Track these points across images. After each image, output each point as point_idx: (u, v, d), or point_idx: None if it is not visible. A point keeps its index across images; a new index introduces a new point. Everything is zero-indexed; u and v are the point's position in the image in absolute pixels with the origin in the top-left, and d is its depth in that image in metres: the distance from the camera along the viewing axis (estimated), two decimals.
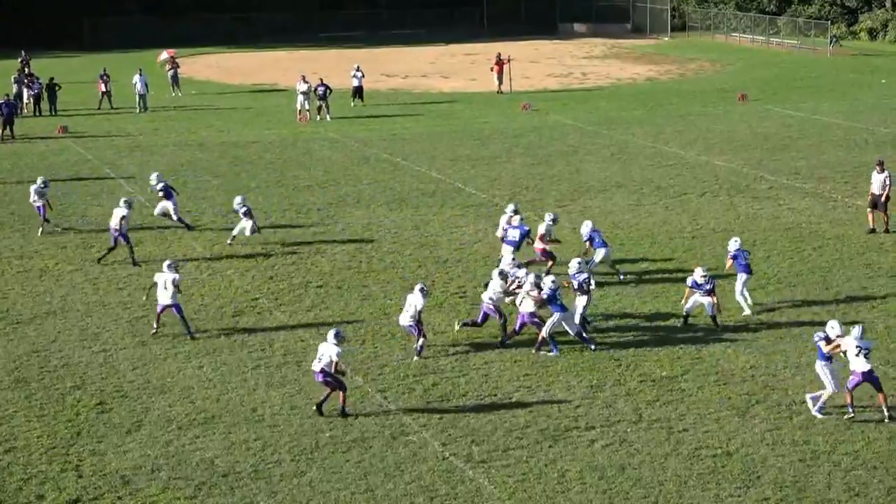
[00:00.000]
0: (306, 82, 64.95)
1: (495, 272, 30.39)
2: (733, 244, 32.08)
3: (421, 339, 29.02)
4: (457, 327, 30.41)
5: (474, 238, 39.73)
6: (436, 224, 41.76)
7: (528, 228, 34.63)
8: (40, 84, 68.15)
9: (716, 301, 30.36)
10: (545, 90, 76.47)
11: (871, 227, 39.43)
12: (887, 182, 39.42)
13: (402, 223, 41.91)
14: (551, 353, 28.83)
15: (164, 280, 30.18)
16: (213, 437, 24.77)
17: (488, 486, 22.58)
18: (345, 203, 45.01)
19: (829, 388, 25.28)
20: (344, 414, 25.39)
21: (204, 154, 55.19)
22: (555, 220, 35.44)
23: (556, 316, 28.99)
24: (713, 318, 30.44)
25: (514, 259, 33.04)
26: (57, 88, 68.03)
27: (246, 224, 38.20)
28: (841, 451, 23.78)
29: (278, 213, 43.37)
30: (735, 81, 78.96)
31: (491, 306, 29.67)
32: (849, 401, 25.18)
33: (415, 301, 28.83)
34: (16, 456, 23.90)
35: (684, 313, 30.91)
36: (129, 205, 36.52)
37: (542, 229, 34.88)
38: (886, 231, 39.24)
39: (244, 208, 38.27)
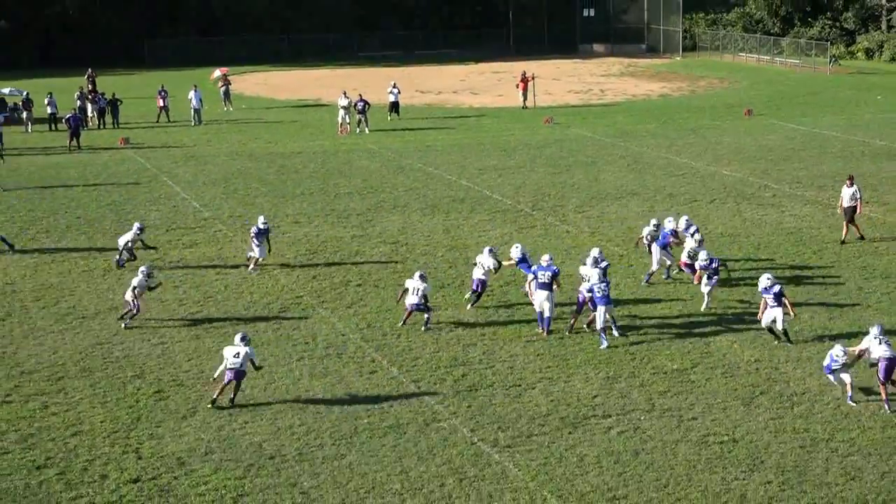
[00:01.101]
0: (347, 97, 65.07)
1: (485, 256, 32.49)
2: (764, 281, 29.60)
3: (427, 314, 30.42)
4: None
5: (501, 241, 39.66)
6: (465, 228, 41.77)
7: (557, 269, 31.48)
8: (105, 99, 68.51)
9: (788, 309, 29.08)
10: (566, 105, 76.33)
11: (843, 239, 38.84)
12: (857, 196, 38.87)
13: (434, 227, 41.93)
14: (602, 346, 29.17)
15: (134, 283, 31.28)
16: (261, 422, 24.85)
17: (513, 468, 22.59)
18: (382, 209, 45.05)
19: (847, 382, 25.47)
20: (232, 402, 25.76)
21: (253, 163, 55.30)
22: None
23: (602, 308, 29.29)
24: (784, 332, 29.11)
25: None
26: (119, 103, 68.41)
27: (256, 248, 36.38)
28: (839, 439, 23.69)
29: (321, 217, 43.45)
30: (741, 97, 78.64)
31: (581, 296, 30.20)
32: (884, 395, 25.16)
33: (415, 285, 30.38)
34: (81, 439, 24.05)
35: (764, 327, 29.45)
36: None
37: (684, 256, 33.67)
38: (861, 239, 38.74)
39: (258, 230, 36.30)
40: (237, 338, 26.18)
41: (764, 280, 29.20)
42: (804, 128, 64.72)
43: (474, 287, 32.27)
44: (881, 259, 36.88)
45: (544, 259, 30.69)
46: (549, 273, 30.18)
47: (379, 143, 61.13)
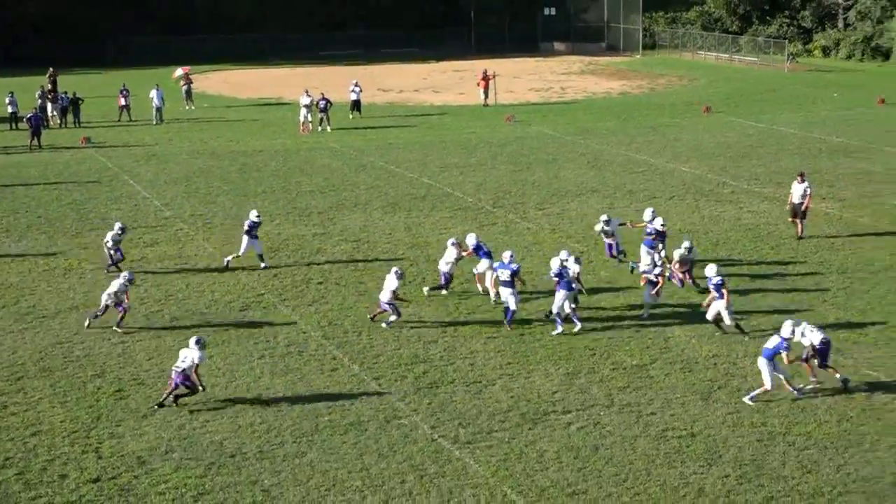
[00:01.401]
0: (309, 96, 64.91)
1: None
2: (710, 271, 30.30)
3: (394, 316, 30.19)
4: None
5: (462, 239, 39.62)
6: (426, 226, 41.72)
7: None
8: (67, 98, 68.07)
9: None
10: (527, 103, 76.37)
11: (799, 235, 38.98)
12: (807, 192, 38.99)
13: (395, 225, 41.87)
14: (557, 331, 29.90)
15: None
16: (222, 420, 24.74)
17: (473, 464, 22.57)
18: (343, 206, 44.94)
19: (767, 385, 25.30)
20: (161, 405, 25.41)
21: (215, 162, 55.06)
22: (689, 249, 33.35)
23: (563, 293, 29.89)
24: (737, 325, 29.57)
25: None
26: (80, 102, 67.97)
27: (245, 242, 36.21)
28: (795, 433, 23.80)
29: (283, 215, 43.30)
30: (700, 95, 78.91)
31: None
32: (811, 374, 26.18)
33: (389, 282, 30.08)
34: (41, 439, 23.86)
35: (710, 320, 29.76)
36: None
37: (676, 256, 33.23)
38: (800, 238, 38.77)
39: (252, 223, 36.32)
40: (191, 340, 25.90)
41: (709, 270, 29.75)
42: (762, 125, 65.02)
43: (442, 281, 33.02)
44: (837, 254, 37.08)
45: (505, 256, 30.75)
46: (508, 271, 30.23)
47: (341, 141, 60.99)
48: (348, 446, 23.42)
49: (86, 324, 30.62)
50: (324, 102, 64.27)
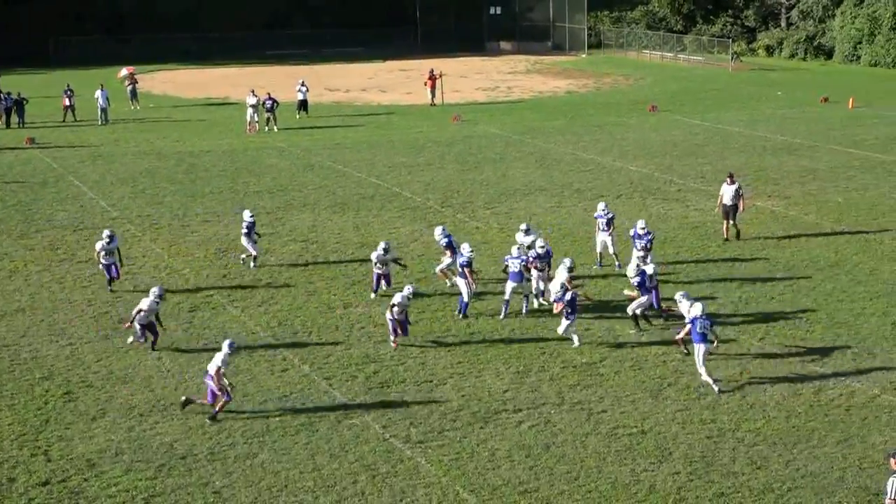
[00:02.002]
0: (255, 96, 64.67)
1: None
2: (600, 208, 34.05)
3: (393, 336, 29.01)
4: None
5: (410, 238, 39.70)
6: (375, 225, 41.69)
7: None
8: (10, 99, 67.40)
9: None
10: (474, 102, 76.46)
11: (726, 237, 38.64)
12: (740, 193, 38.58)
13: (344, 225, 41.81)
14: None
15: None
16: (172, 422, 24.59)
17: (425, 464, 22.57)
18: (292, 207, 44.82)
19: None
20: (213, 418, 24.62)
21: (161, 162, 54.74)
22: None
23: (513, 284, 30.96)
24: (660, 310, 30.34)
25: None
26: (25, 102, 67.33)
27: (250, 246, 36.10)
28: (744, 429, 23.97)
29: (231, 216, 43.10)
30: (646, 94, 79.34)
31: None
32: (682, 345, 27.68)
33: (398, 300, 28.73)
34: None
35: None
36: (160, 297, 29.22)
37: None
38: (737, 238, 38.61)
39: (249, 224, 35.97)
40: (225, 343, 25.23)
41: (630, 269, 30.41)
42: (707, 123, 65.46)
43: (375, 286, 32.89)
44: (784, 252, 37.38)
45: (464, 248, 31.54)
46: (464, 262, 31.27)
47: (288, 141, 60.80)
48: (300, 447, 23.35)
49: (141, 345, 28.82)
50: (270, 102, 64.05)
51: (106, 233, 33.88)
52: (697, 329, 26.21)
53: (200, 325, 30.85)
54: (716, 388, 25.75)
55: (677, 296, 28.18)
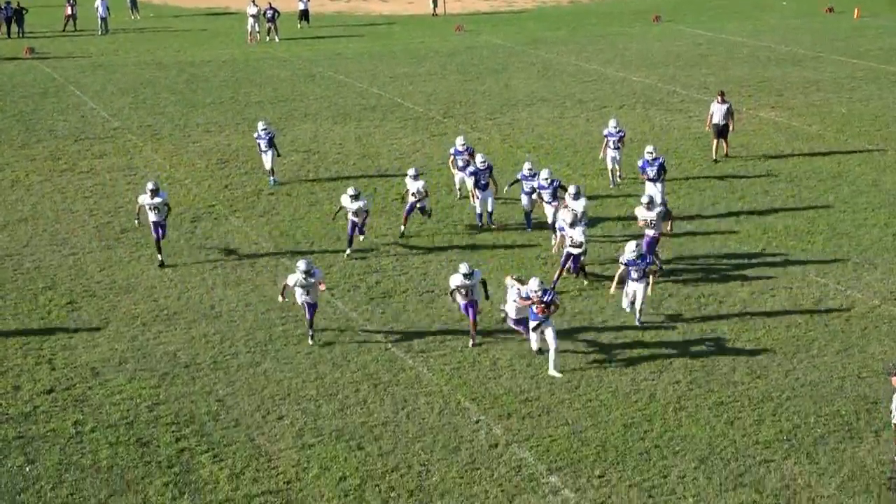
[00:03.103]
0: (255, 5, 64.23)
1: None
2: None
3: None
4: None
5: (412, 149, 39.62)
6: (377, 136, 41.57)
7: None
8: (11, 8, 66.92)
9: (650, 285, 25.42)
10: (477, 13, 75.91)
11: (714, 157, 37.75)
12: (731, 112, 37.65)
13: (346, 135, 41.69)
14: None
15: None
16: (175, 332, 24.72)
17: (427, 373, 22.70)
18: (293, 117, 44.67)
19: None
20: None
21: (162, 73, 54.47)
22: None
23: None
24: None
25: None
26: (25, 12, 66.89)
27: (268, 157, 35.16)
28: (744, 339, 24.08)
29: (232, 126, 42.99)
30: (650, 4, 78.66)
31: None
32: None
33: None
34: None
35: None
36: (307, 273, 23.79)
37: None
38: (726, 156, 37.81)
39: (269, 135, 35.02)
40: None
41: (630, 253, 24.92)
42: (711, 34, 65.00)
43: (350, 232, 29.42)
44: (786, 163, 37.32)
45: (478, 159, 31.14)
46: (487, 172, 30.82)
47: (289, 51, 60.46)
48: (302, 356, 23.48)
49: (310, 342, 24.21)
50: (271, 12, 63.66)
51: (150, 185, 28.55)
52: (633, 274, 24.66)
53: (203, 235, 30.89)
54: (638, 320, 24.86)
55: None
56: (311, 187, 35.10)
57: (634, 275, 24.66)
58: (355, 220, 28.96)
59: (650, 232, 27.28)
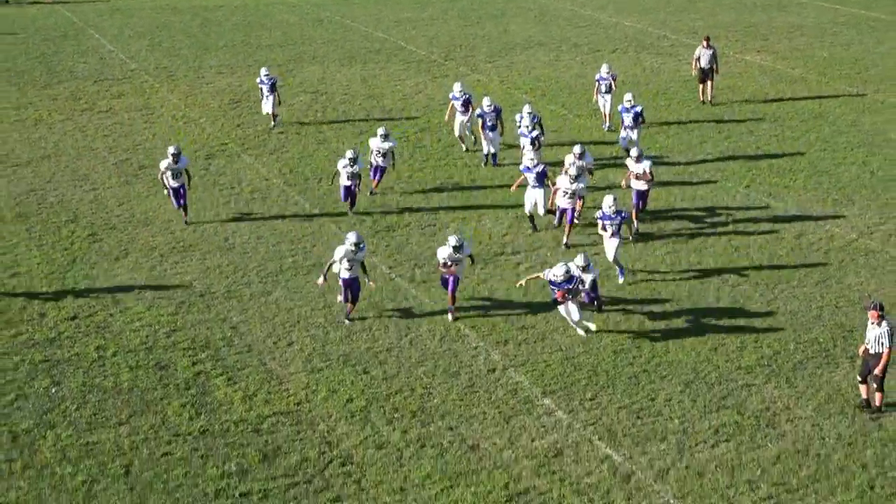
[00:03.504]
0: None
1: None
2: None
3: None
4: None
5: (415, 90, 39.49)
6: (382, 78, 41.41)
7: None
8: None
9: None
10: None
11: (702, 99, 37.30)
12: (715, 56, 36.99)
13: (352, 77, 41.53)
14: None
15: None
16: (191, 262, 24.77)
17: (428, 301, 22.78)
18: (302, 60, 44.47)
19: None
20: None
21: (176, 17, 54.15)
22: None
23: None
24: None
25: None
26: None
27: (268, 101, 34.55)
28: (728, 271, 24.14)
29: (243, 68, 42.81)
30: None
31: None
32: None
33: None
34: (20, 280, 23.82)
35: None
36: (356, 245, 21.78)
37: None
38: (711, 100, 37.23)
39: (271, 81, 34.30)
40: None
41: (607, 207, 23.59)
42: None
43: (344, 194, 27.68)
44: (770, 105, 37.24)
45: (485, 102, 30.70)
46: (494, 115, 30.47)
47: None
48: (311, 286, 23.53)
49: (345, 322, 22.01)
50: None
51: (172, 149, 26.75)
52: (608, 229, 23.48)
53: (216, 171, 30.87)
54: (621, 278, 23.59)
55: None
56: (318, 126, 35.03)
57: (609, 230, 23.44)
58: (348, 184, 27.12)
59: (639, 186, 26.14)
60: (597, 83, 34.15)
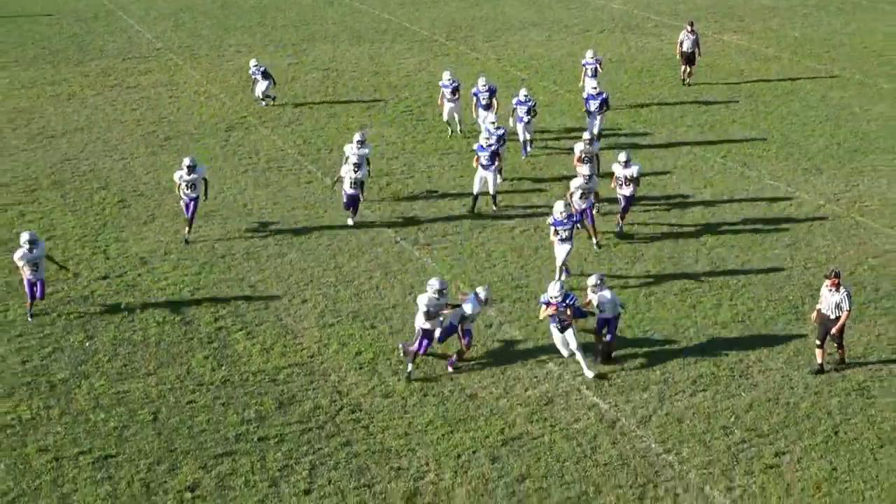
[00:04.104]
0: None
1: None
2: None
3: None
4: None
5: (418, 67, 39.34)
6: (387, 56, 41.23)
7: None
8: None
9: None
10: None
11: (683, 78, 36.48)
12: (697, 41, 36.07)
13: (360, 55, 41.35)
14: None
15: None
16: (213, 227, 24.75)
17: (431, 263, 22.80)
18: (314, 39, 44.26)
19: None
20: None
21: None
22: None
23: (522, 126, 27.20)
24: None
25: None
26: None
27: (261, 85, 34.08)
28: (706, 235, 24.13)
29: (260, 47, 42.64)
30: None
31: None
32: None
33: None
34: (55, 242, 23.82)
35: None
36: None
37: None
38: (691, 81, 36.32)
39: (261, 70, 33.96)
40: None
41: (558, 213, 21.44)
42: None
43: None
44: (746, 83, 37.08)
45: (480, 82, 29.79)
46: (488, 94, 29.43)
47: None
48: (323, 248, 23.56)
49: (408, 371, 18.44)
50: None
51: (187, 160, 23.59)
52: (561, 234, 21.30)
53: (235, 142, 30.80)
54: (558, 279, 21.22)
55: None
56: (329, 101, 34.92)
57: (563, 234, 21.18)
58: (352, 192, 24.52)
59: (625, 191, 23.68)
60: (583, 67, 33.64)
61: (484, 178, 25.26)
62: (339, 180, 25.00)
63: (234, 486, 15.40)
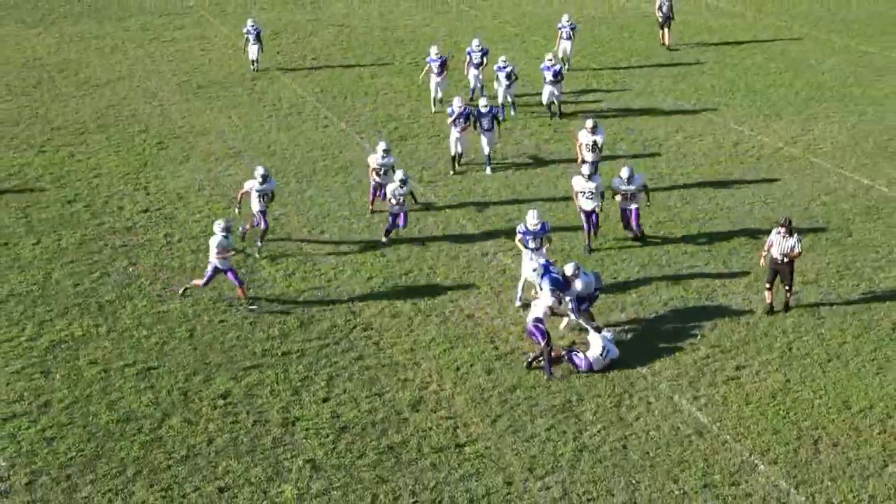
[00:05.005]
0: None
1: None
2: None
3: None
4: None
5: (423, 23, 38.92)
6: (396, 13, 40.80)
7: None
8: None
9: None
10: None
11: (662, 41, 35.27)
12: (671, 6, 34.89)
13: (371, 13, 40.90)
14: None
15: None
16: (241, 165, 24.63)
17: (433, 198, 22.70)
18: None
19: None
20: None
21: None
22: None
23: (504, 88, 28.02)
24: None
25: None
26: None
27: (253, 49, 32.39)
28: (678, 173, 23.97)
29: (281, 5, 42.16)
30: None
31: None
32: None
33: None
34: (102, 180, 23.74)
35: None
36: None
37: None
38: (668, 45, 35.14)
39: (254, 32, 32.20)
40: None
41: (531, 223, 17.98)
42: None
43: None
44: (713, 36, 36.73)
45: (474, 43, 28.79)
46: (480, 53, 28.28)
47: None
48: (338, 185, 23.45)
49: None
50: None
51: (260, 170, 19.94)
52: (530, 244, 17.92)
53: (260, 90, 30.55)
54: (518, 298, 18.17)
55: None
56: (344, 54, 34.59)
57: (532, 245, 17.82)
58: (396, 210, 20.45)
59: (631, 206, 20.28)
60: (559, 31, 32.02)
61: (455, 138, 23.71)
62: (382, 190, 21.38)
63: (261, 395, 15.47)
